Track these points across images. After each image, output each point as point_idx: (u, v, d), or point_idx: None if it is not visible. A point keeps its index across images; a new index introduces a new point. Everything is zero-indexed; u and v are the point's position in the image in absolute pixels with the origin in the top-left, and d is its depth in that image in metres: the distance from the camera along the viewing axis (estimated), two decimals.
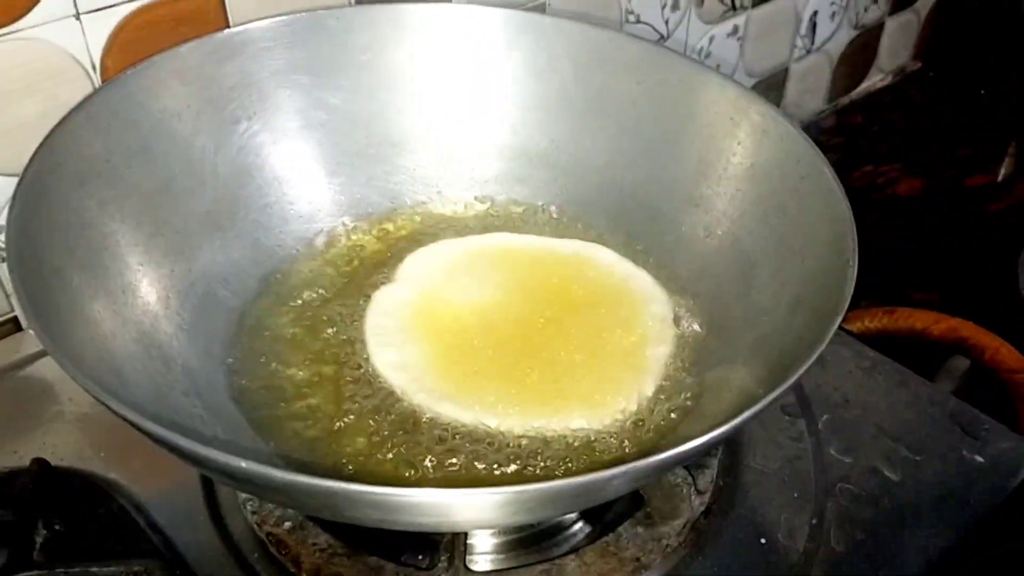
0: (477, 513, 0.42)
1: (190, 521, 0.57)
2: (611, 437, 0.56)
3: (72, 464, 0.60)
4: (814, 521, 0.59)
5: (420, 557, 0.55)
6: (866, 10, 1.29)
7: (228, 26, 0.69)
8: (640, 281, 0.65)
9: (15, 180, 0.51)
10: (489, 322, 0.61)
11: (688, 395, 0.59)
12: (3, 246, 0.65)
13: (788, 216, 0.60)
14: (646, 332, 0.62)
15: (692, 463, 0.60)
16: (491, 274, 0.65)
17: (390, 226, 0.70)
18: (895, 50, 1.40)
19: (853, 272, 0.50)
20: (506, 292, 0.64)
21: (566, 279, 0.65)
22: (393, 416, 0.57)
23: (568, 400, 0.57)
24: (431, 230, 0.70)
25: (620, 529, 0.56)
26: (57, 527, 0.56)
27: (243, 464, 0.38)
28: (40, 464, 0.58)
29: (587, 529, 0.58)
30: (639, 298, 0.64)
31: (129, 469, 0.60)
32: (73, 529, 0.56)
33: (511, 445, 0.55)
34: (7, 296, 0.70)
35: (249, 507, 0.56)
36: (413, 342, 0.60)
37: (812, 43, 1.24)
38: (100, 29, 0.66)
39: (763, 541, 0.58)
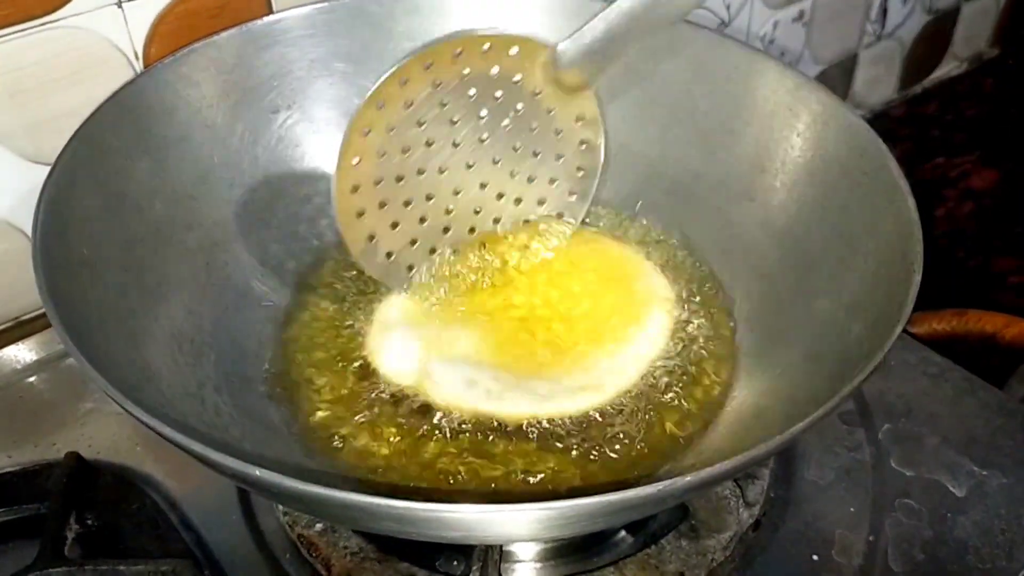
0: (507, 529, 0.40)
1: (223, 519, 0.57)
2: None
3: (108, 457, 0.60)
4: (871, 538, 0.55)
5: (455, 563, 0.54)
6: None
7: (271, 13, 0.67)
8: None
9: None
10: (499, 318, 0.60)
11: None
12: None
13: (850, 214, 0.56)
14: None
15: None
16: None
17: None
18: (971, 36, 1.33)
19: (918, 277, 0.47)
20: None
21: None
22: (415, 418, 0.56)
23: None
24: None
25: (663, 541, 0.54)
26: (90, 522, 0.56)
27: (257, 472, 0.36)
28: (74, 458, 0.57)
29: (629, 539, 0.55)
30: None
31: (165, 464, 0.60)
32: (106, 524, 0.56)
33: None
34: None
35: (281, 507, 0.55)
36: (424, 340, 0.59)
37: (883, 28, 1.18)
38: (142, 17, 0.65)
39: (815, 558, 0.54)
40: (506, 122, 0.59)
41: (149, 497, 0.57)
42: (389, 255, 0.59)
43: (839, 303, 0.54)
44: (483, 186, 0.61)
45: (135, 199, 0.55)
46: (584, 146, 0.61)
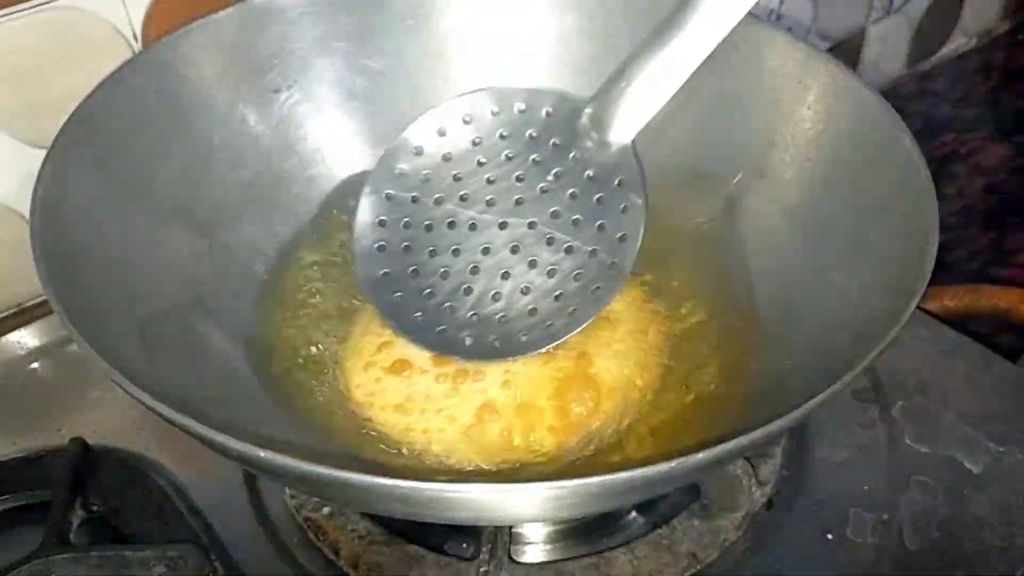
0: (516, 509, 0.40)
1: (230, 504, 0.56)
2: None
3: (114, 443, 0.60)
4: (885, 517, 0.55)
5: (464, 546, 0.53)
6: None
7: None
8: None
9: None
10: None
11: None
12: None
13: (862, 188, 0.55)
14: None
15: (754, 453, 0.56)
16: None
17: None
18: (981, 11, 1.31)
19: (933, 250, 0.46)
20: None
21: None
22: None
23: None
24: None
25: (675, 521, 0.53)
26: (95, 508, 0.56)
27: (262, 453, 0.36)
28: (79, 444, 0.57)
29: (640, 520, 0.55)
30: None
31: (171, 449, 0.59)
32: (111, 510, 0.56)
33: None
34: None
35: (288, 491, 0.55)
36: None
37: (891, 3, 1.17)
38: None
39: (829, 537, 0.54)
40: (544, 185, 0.56)
41: (155, 483, 0.57)
42: (397, 293, 0.56)
43: (853, 278, 0.53)
44: (514, 251, 0.56)
45: (134, 181, 0.54)
46: (625, 209, 0.55)
